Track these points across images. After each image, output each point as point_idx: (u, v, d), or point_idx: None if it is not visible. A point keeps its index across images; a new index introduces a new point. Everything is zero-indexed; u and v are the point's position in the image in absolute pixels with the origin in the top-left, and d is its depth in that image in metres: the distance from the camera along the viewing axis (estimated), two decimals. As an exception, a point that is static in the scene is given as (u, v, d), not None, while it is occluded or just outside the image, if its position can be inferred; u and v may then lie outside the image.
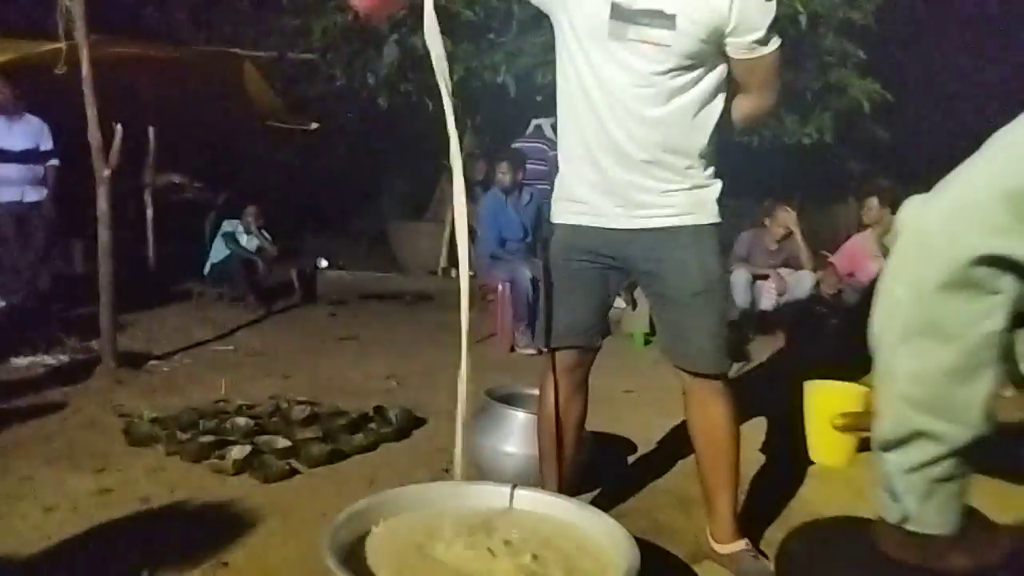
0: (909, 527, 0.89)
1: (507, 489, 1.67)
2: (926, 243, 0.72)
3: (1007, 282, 0.69)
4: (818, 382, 2.92)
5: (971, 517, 0.92)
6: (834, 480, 2.69)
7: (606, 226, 1.90)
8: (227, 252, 6.59)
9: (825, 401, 2.83)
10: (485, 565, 1.39)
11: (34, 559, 1.98)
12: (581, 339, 2.02)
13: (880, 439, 0.85)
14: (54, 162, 5.55)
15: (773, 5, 1.71)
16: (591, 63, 1.81)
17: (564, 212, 1.99)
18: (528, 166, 5.74)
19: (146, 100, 6.62)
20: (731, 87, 1.88)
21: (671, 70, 1.75)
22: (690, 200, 1.86)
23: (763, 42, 1.75)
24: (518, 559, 1.41)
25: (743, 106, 1.93)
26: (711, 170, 1.90)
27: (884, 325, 0.78)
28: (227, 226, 6.73)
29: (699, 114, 1.82)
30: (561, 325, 2.01)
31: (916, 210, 0.75)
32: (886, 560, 0.93)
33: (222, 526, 2.18)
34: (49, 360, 4.12)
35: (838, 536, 1.15)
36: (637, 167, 1.83)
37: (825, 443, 2.87)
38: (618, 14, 1.73)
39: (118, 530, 2.17)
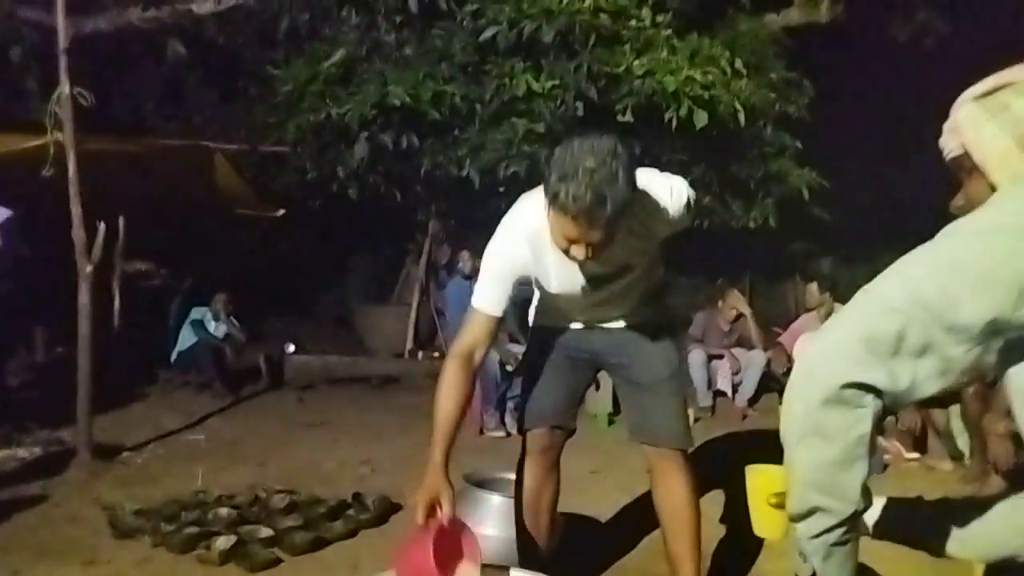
0: None
1: (501, 572, 1.82)
2: (811, 371, 1.01)
3: (869, 399, 0.98)
4: (756, 466, 3.21)
5: (864, 573, 1.17)
6: (785, 552, 2.88)
7: (580, 327, 2.19)
8: (194, 339, 6.65)
9: (762, 482, 3.10)
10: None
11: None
12: (555, 419, 2.23)
13: (790, 513, 1.11)
14: (23, 253, 5.63)
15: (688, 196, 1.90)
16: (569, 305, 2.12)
17: (541, 319, 2.27)
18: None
19: (117, 192, 6.79)
20: None
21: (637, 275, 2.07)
22: (649, 308, 2.19)
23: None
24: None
25: None
26: (662, 284, 2.25)
27: (787, 428, 1.05)
28: (195, 313, 6.80)
29: (654, 267, 2.16)
30: (536, 408, 2.24)
31: (806, 345, 1.02)
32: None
33: (214, 615, 2.28)
34: (22, 453, 4.16)
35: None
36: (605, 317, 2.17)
37: (763, 519, 3.13)
38: (590, 288, 2.01)
39: (112, 622, 2.26)
